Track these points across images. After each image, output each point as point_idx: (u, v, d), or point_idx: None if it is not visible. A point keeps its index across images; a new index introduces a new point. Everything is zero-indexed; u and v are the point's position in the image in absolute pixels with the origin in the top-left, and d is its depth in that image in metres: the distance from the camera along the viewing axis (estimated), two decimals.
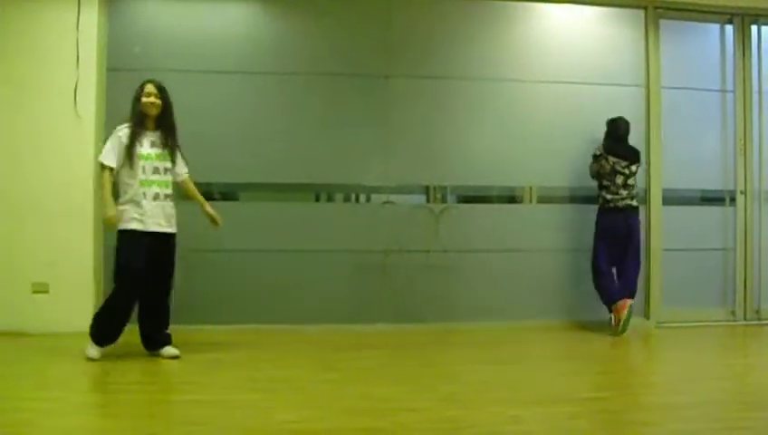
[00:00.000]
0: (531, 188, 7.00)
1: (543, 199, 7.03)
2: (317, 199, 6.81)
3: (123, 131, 5.19)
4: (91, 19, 6.35)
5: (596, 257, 6.74)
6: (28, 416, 3.73)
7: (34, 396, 4.18)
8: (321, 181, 6.74)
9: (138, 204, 5.13)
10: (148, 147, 5.22)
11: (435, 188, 6.87)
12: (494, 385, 4.66)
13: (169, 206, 5.32)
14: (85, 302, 6.26)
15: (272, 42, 6.70)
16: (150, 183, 5.19)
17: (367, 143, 6.80)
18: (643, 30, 7.21)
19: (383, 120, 6.80)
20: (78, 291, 6.27)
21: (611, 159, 6.64)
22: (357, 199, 6.86)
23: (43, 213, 6.24)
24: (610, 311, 6.59)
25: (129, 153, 5.13)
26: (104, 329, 5.17)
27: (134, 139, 5.17)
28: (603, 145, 6.71)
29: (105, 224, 5.29)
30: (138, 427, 3.59)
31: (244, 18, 6.74)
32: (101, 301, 6.25)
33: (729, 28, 7.40)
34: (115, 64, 6.50)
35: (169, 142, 5.33)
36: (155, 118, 5.30)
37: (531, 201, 7.01)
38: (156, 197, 5.19)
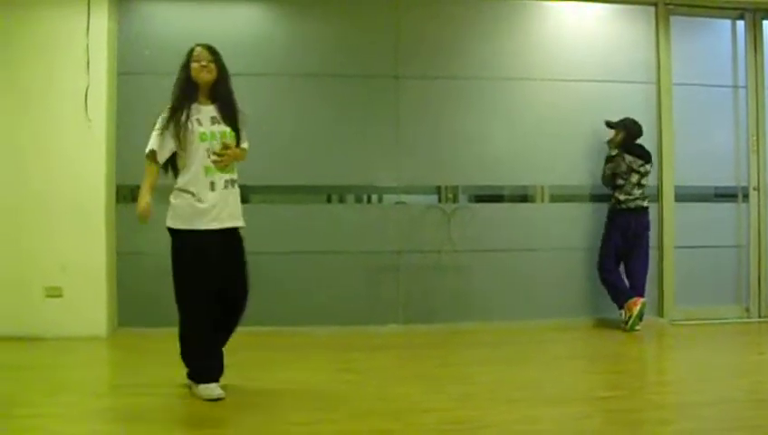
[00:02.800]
0: (542, 188, 6.99)
1: (555, 199, 7.01)
2: (328, 201, 6.81)
3: (165, 114, 4.34)
4: (102, 23, 6.35)
5: (605, 257, 6.73)
6: (41, 421, 3.74)
7: (47, 401, 4.19)
8: (332, 182, 6.74)
9: (200, 196, 4.27)
10: (209, 124, 4.31)
11: (446, 188, 6.86)
12: (506, 385, 4.65)
13: (235, 193, 4.42)
14: (98, 305, 6.28)
15: (282, 44, 6.71)
16: (211, 169, 4.28)
17: (378, 144, 6.80)
18: (654, 26, 7.18)
19: (394, 121, 6.79)
20: (91, 295, 6.27)
21: (628, 157, 6.62)
22: (368, 200, 6.86)
23: (55, 217, 6.26)
24: (621, 308, 6.57)
25: (183, 133, 4.24)
26: (201, 361, 4.40)
27: (187, 114, 4.27)
28: (618, 144, 6.68)
29: (139, 218, 4.39)
30: (150, 431, 3.60)
31: (254, 21, 6.75)
32: (116, 305, 6.31)
33: (740, 24, 7.36)
34: (125, 68, 6.52)
35: (230, 116, 4.39)
36: (209, 88, 4.39)
37: (543, 200, 6.99)
38: (225, 185, 4.31)
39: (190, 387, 4.39)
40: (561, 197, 7.03)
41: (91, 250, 6.28)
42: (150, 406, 4.11)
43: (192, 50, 4.44)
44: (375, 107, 6.81)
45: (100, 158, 6.31)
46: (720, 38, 7.39)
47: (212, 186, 4.27)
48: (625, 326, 6.48)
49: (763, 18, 7.34)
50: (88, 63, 6.31)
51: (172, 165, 4.41)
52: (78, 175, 6.28)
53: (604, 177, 6.78)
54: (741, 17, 7.34)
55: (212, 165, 4.27)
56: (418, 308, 6.78)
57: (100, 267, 6.31)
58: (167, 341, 6.07)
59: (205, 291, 4.30)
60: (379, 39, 6.83)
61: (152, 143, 4.30)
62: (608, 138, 6.81)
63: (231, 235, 4.38)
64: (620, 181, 6.66)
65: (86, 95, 6.28)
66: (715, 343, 6.29)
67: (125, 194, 6.48)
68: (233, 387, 4.37)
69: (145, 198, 4.31)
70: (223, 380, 4.38)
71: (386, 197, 6.82)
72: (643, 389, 4.78)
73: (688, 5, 7.20)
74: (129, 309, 6.47)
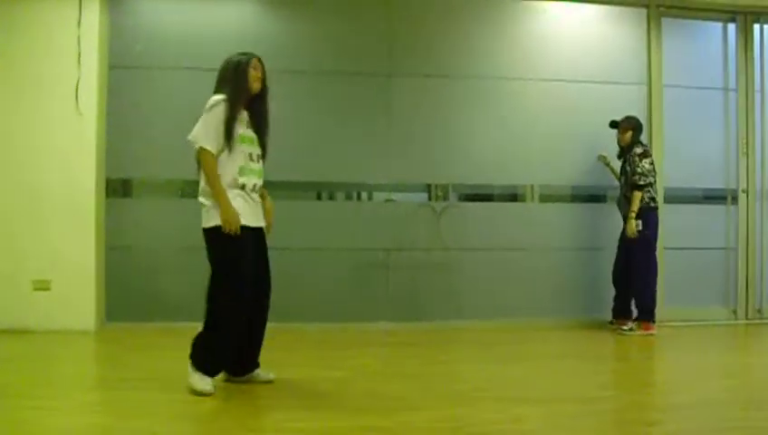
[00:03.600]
0: (532, 187, 7.01)
1: (545, 198, 7.03)
2: (319, 198, 6.81)
3: (221, 106, 4.25)
4: (93, 17, 6.34)
5: (655, 260, 6.65)
6: (30, 414, 3.72)
7: (35, 394, 4.17)
8: (322, 179, 6.74)
9: (240, 195, 4.32)
10: (244, 127, 4.39)
11: (436, 186, 6.87)
12: (496, 384, 4.65)
13: (257, 197, 4.50)
14: (87, 299, 6.27)
15: (274, 40, 6.69)
16: (251, 171, 4.38)
17: (369, 141, 6.81)
18: (645, 28, 7.21)
19: (385, 119, 6.80)
20: (80, 288, 6.26)
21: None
22: (359, 197, 6.86)
23: (44, 210, 6.24)
24: (647, 321, 6.56)
25: (229, 133, 4.24)
26: (215, 355, 4.34)
27: (235, 115, 4.29)
28: (629, 142, 6.67)
29: (227, 224, 4.25)
30: (139, 425, 3.58)
31: (246, 16, 6.74)
32: (105, 300, 6.29)
33: (732, 27, 7.40)
34: (117, 62, 6.51)
35: (261, 129, 4.50)
36: (251, 97, 4.44)
37: (532, 200, 7.02)
38: (254, 187, 4.41)
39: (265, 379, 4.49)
40: (551, 196, 7.05)
41: (81, 244, 6.27)
42: (138, 400, 4.10)
43: (250, 57, 4.43)
44: (367, 104, 6.82)
45: (90, 151, 6.30)
46: (711, 41, 7.43)
47: (245, 186, 4.35)
48: (622, 330, 6.52)
49: (753, 21, 7.38)
50: (79, 56, 6.29)
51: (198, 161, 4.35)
52: (68, 168, 6.27)
53: (645, 173, 6.49)
54: (732, 20, 7.38)
55: (247, 166, 4.35)
56: (408, 306, 6.80)
57: (89, 261, 6.29)
58: (155, 335, 6.10)
59: (247, 285, 4.36)
60: (372, 37, 6.83)
61: (208, 141, 4.23)
62: (615, 139, 6.81)
63: (262, 234, 4.56)
64: (651, 179, 6.56)
65: (77, 88, 6.27)
66: (702, 344, 6.31)
67: (115, 188, 6.48)
68: (221, 383, 4.36)
69: (231, 205, 4.27)
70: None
71: (376, 194, 6.83)
72: (631, 389, 4.78)
73: (680, 8, 7.24)
74: (117, 303, 6.46)
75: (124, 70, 6.51)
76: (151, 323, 6.37)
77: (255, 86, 4.41)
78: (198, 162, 4.33)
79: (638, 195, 6.50)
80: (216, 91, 4.35)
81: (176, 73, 6.56)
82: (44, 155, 6.27)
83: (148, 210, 6.55)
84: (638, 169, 6.50)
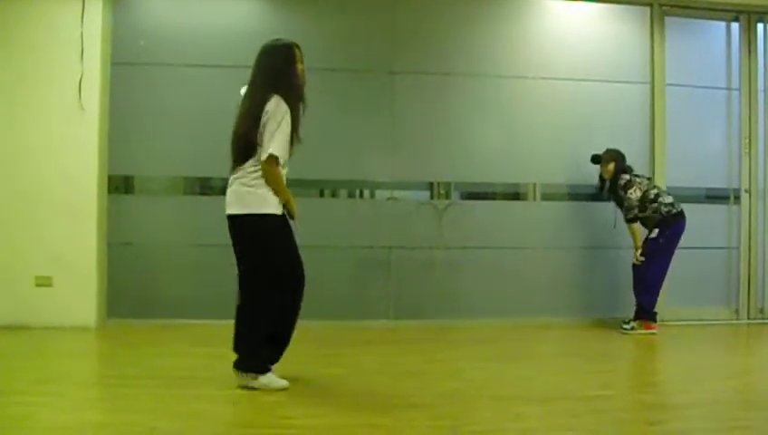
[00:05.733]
0: (534, 185, 6.99)
1: (547, 196, 7.02)
2: (321, 195, 6.80)
3: (288, 117, 4.21)
4: (96, 13, 6.34)
5: (666, 266, 6.60)
6: (29, 410, 3.73)
7: (35, 390, 4.18)
8: (325, 177, 6.73)
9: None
10: None
11: (439, 184, 6.86)
12: (496, 382, 4.65)
13: None
14: (88, 295, 6.27)
15: (277, 36, 6.68)
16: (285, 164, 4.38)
17: (371, 139, 6.80)
18: (648, 27, 7.19)
19: (388, 116, 6.79)
20: (81, 285, 6.27)
21: (635, 173, 6.65)
22: (361, 195, 6.85)
23: (46, 206, 6.24)
24: (647, 320, 6.56)
25: (294, 136, 4.30)
26: (264, 350, 4.36)
27: (297, 125, 4.33)
28: (613, 173, 6.64)
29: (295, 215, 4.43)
30: (138, 421, 3.58)
31: (249, 13, 6.73)
32: (106, 296, 6.29)
33: (735, 26, 7.38)
34: (120, 58, 6.51)
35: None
36: None
37: (535, 198, 7.00)
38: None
39: (246, 384, 4.28)
40: (554, 195, 7.04)
41: (82, 240, 6.27)
42: (137, 396, 4.10)
43: (294, 47, 4.45)
44: (370, 102, 6.81)
45: (92, 147, 6.30)
46: (714, 40, 7.41)
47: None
48: (624, 328, 6.52)
49: (757, 21, 7.36)
50: (82, 53, 6.29)
51: (247, 153, 4.26)
52: (70, 164, 6.27)
53: (632, 207, 6.50)
54: (735, 19, 7.36)
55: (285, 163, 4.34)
56: (409, 304, 6.79)
57: (90, 257, 6.29)
58: (156, 332, 6.10)
59: (298, 270, 4.47)
60: (374, 34, 6.83)
61: (282, 151, 4.20)
62: (600, 173, 6.78)
63: None
64: (654, 192, 6.54)
65: (80, 84, 6.27)
66: (704, 343, 6.31)
67: (117, 184, 6.48)
68: (221, 380, 4.35)
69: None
70: (211, 373, 4.38)
71: (378, 192, 6.82)
72: (632, 388, 4.79)
73: (683, 7, 7.22)
74: (118, 300, 6.46)
75: (127, 66, 6.51)
76: (152, 319, 6.37)
77: (304, 79, 4.46)
78: (240, 151, 4.27)
79: (633, 226, 6.58)
80: (267, 84, 4.28)
81: (179, 70, 6.56)
82: (46, 151, 6.27)
83: (149, 207, 6.55)
84: (625, 204, 6.55)
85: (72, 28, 6.28)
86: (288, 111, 4.19)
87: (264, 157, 4.15)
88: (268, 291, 4.31)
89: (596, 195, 6.89)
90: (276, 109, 4.16)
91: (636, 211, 6.50)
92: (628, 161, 6.68)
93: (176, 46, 6.60)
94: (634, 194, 6.49)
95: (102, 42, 6.38)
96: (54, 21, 6.31)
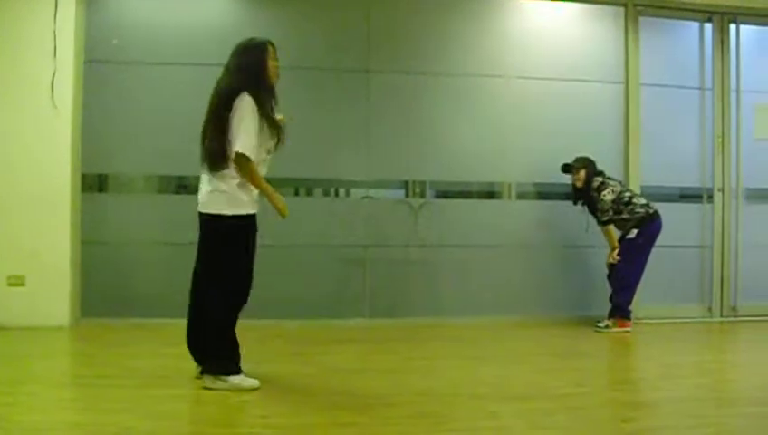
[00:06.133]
0: (509, 184, 7.02)
1: (522, 195, 7.05)
2: (296, 193, 6.78)
3: (256, 114, 4.18)
4: (69, 10, 6.28)
5: (642, 266, 6.65)
6: (2, 410, 3.69)
7: (9, 390, 4.14)
8: (300, 175, 6.71)
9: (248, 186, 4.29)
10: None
11: (414, 183, 6.87)
12: (472, 380, 4.66)
13: None
14: (62, 295, 6.22)
15: (251, 35, 6.65)
16: (263, 163, 4.40)
17: (346, 138, 6.81)
18: (623, 27, 7.24)
19: (363, 115, 6.79)
20: (54, 284, 6.21)
21: (606, 175, 6.69)
22: (336, 194, 6.84)
23: (19, 205, 6.18)
24: (623, 318, 6.61)
25: (266, 128, 4.25)
26: (229, 351, 4.33)
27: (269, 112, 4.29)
28: (585, 180, 6.68)
29: (285, 209, 4.48)
30: (113, 421, 3.56)
31: (223, 12, 6.70)
32: (79, 296, 6.24)
33: (708, 26, 7.44)
34: (93, 56, 6.46)
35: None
36: None
37: (510, 197, 7.03)
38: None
39: (211, 386, 4.22)
40: (529, 194, 7.07)
41: (56, 239, 6.22)
42: (113, 396, 4.07)
43: (266, 45, 4.40)
44: (345, 101, 6.81)
45: (65, 145, 6.25)
46: (688, 40, 7.47)
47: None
48: (599, 326, 6.56)
49: (730, 21, 7.43)
50: (55, 50, 6.23)
51: (221, 156, 4.20)
52: (43, 163, 6.21)
53: (605, 209, 6.55)
54: (709, 20, 7.42)
55: (263, 160, 4.35)
56: (384, 302, 6.80)
57: (64, 257, 6.24)
58: (130, 331, 6.07)
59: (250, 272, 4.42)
60: (350, 32, 6.82)
61: (249, 148, 4.15)
62: (572, 182, 6.79)
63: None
64: (628, 194, 6.60)
65: (52, 82, 6.21)
66: (677, 341, 6.35)
67: (90, 183, 6.44)
68: (196, 380, 4.33)
69: (277, 194, 4.41)
70: (186, 373, 4.37)
71: (353, 191, 6.82)
72: (607, 386, 4.83)
73: (657, 7, 7.27)
74: (92, 299, 6.41)
75: (100, 64, 6.46)
76: (127, 318, 6.33)
77: (275, 78, 4.40)
78: (208, 156, 4.25)
79: (607, 229, 6.64)
80: (236, 81, 4.26)
81: (153, 68, 6.52)
82: (19, 149, 6.20)
83: (123, 205, 6.51)
84: (599, 206, 6.59)
85: (44, 26, 6.22)
86: (255, 108, 4.16)
87: (231, 156, 4.15)
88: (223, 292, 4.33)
89: (570, 195, 6.92)
90: (240, 104, 4.14)
91: (611, 214, 6.55)
92: (603, 159, 6.74)
93: (149, 44, 6.56)
94: (608, 196, 6.53)
95: (75, 39, 6.33)
96: (27, 18, 6.24)
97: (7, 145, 6.20)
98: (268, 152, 4.38)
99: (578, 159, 6.72)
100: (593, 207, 6.67)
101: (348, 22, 6.83)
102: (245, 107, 4.14)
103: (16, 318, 6.09)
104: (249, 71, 4.27)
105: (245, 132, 4.12)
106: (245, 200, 4.27)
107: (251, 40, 4.42)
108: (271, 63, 4.35)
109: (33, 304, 6.15)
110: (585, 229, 6.83)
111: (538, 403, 4.09)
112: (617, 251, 6.57)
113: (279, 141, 4.44)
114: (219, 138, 4.17)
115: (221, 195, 4.22)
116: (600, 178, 6.63)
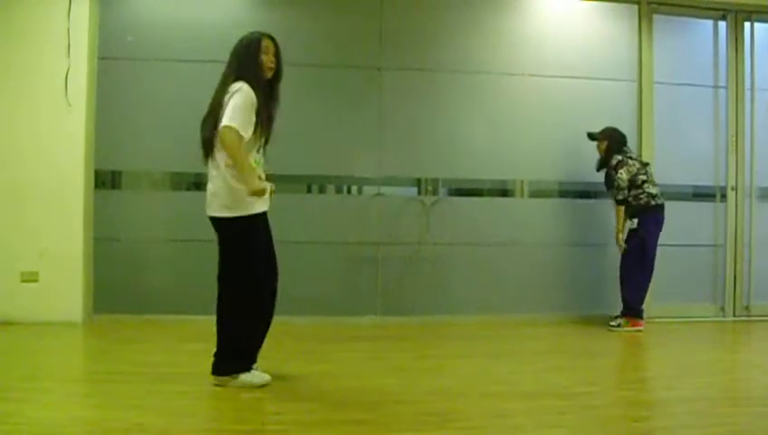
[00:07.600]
0: (522, 182, 7.00)
1: (535, 193, 7.03)
2: (309, 191, 6.79)
3: (250, 92, 4.12)
4: (83, 7, 6.30)
5: (650, 260, 6.61)
6: (15, 406, 3.70)
7: (22, 386, 4.16)
8: (312, 173, 6.72)
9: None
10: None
11: (426, 180, 6.87)
12: (483, 379, 4.66)
13: None
14: (74, 291, 6.25)
15: (264, 31, 6.66)
16: (257, 163, 4.31)
17: (359, 135, 6.81)
18: (636, 25, 7.21)
19: (375, 113, 6.79)
20: (67, 280, 6.24)
21: (629, 155, 6.64)
22: (348, 191, 6.85)
23: (32, 201, 6.21)
24: (640, 315, 6.59)
25: (259, 121, 4.16)
26: (245, 348, 4.32)
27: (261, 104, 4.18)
28: (604, 152, 6.68)
29: (258, 194, 4.13)
30: (125, 417, 3.57)
31: (237, 8, 6.71)
32: (92, 291, 6.26)
33: (722, 24, 7.41)
34: (107, 53, 6.48)
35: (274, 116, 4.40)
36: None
37: (522, 195, 7.01)
38: (259, 177, 4.23)
39: (222, 383, 4.21)
40: (541, 192, 7.05)
41: (69, 235, 6.25)
42: (125, 392, 4.08)
43: (260, 39, 4.32)
44: (358, 98, 6.81)
45: (79, 142, 6.27)
46: (702, 38, 7.44)
47: (260, 177, 4.26)
48: (611, 325, 6.54)
49: (744, 19, 7.39)
50: (69, 47, 6.25)
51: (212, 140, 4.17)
52: (56, 159, 6.24)
53: (621, 188, 6.51)
54: (723, 18, 7.39)
55: (256, 157, 4.27)
56: (396, 300, 6.80)
57: (76, 253, 6.27)
58: (142, 327, 6.09)
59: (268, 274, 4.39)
60: (362, 30, 6.82)
61: (236, 120, 4.02)
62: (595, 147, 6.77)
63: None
64: (642, 178, 6.54)
65: (66, 79, 6.24)
66: (689, 340, 6.33)
67: (104, 179, 6.46)
68: (209, 376, 4.34)
69: (255, 178, 4.14)
70: (198, 369, 4.38)
71: (366, 188, 6.82)
72: (618, 385, 4.81)
73: (671, 5, 7.24)
74: (105, 295, 6.44)
75: (114, 61, 6.48)
76: (139, 315, 6.34)
77: (269, 73, 4.32)
78: (208, 148, 4.22)
79: (619, 209, 6.59)
80: (232, 72, 4.26)
81: (166, 65, 6.54)
82: (32, 146, 6.23)
83: (136, 202, 6.53)
84: (615, 184, 6.55)
85: (58, 23, 6.24)
86: (252, 96, 4.10)
87: (219, 127, 4.04)
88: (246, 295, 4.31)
89: (583, 192, 6.91)
90: (237, 89, 4.09)
91: (626, 192, 6.51)
92: None
93: (163, 41, 6.58)
94: (623, 175, 6.50)
95: (89, 36, 6.35)
96: (41, 16, 6.27)
97: (21, 141, 6.23)
98: (258, 150, 4.28)
99: (603, 130, 6.71)
100: (610, 182, 6.64)
101: (360, 19, 6.83)
102: (240, 93, 4.08)
103: (29, 314, 6.12)
104: (241, 63, 4.25)
105: (233, 108, 4.02)
106: (247, 200, 4.16)
107: (249, 34, 4.39)
108: (264, 58, 4.28)
109: (46, 300, 6.18)
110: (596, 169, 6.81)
111: (549, 402, 4.08)
112: (624, 237, 6.58)
113: (266, 141, 4.35)
114: (215, 125, 4.12)
115: (220, 197, 4.20)
116: (619, 157, 6.58)
